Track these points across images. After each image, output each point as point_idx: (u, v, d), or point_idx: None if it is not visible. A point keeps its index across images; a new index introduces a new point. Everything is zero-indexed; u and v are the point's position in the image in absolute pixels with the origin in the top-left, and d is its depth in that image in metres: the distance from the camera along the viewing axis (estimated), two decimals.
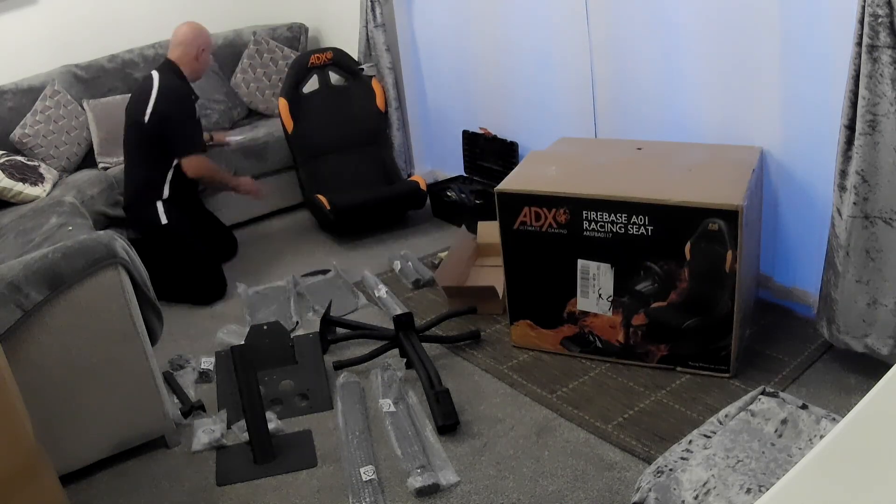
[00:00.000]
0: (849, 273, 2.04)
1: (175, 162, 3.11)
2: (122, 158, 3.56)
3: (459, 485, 1.95)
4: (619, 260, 2.25)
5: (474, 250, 3.13)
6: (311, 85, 3.80)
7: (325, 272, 3.24)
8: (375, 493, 1.92)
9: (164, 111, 3.04)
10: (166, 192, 3.13)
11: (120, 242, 2.00)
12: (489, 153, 3.62)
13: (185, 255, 3.10)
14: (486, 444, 2.10)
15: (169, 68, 3.14)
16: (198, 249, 3.14)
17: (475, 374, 2.43)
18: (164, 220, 3.10)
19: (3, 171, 3.23)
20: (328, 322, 2.65)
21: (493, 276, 2.89)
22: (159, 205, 3.11)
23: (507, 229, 2.36)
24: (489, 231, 3.03)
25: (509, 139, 3.49)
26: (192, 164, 3.10)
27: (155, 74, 3.11)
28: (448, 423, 2.14)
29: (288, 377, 2.46)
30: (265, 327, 2.65)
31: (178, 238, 3.12)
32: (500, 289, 2.66)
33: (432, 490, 1.93)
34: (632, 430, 2.08)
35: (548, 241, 2.31)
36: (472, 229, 3.47)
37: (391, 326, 2.56)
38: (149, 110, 3.03)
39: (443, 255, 3.23)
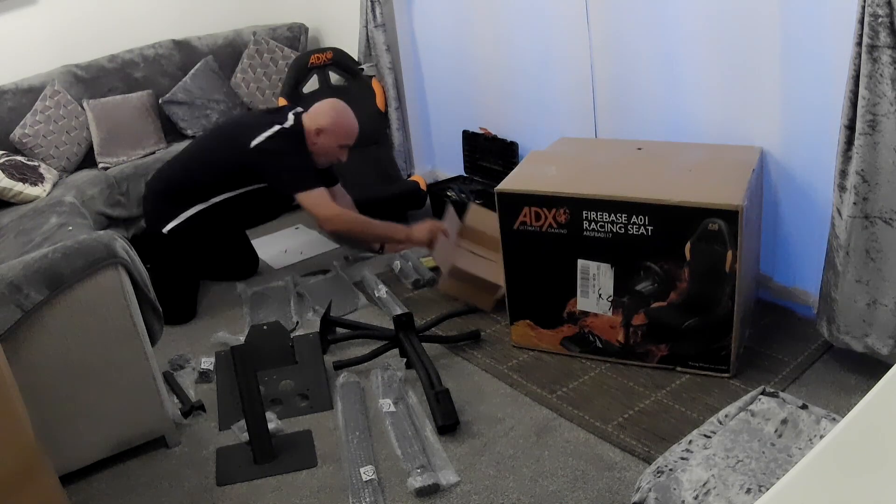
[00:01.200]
0: (849, 273, 2.04)
1: (226, 195, 2.93)
2: (122, 158, 3.57)
3: (459, 485, 1.95)
4: (619, 260, 2.25)
5: (459, 232, 3.02)
6: (311, 85, 3.80)
7: (325, 272, 3.24)
8: (375, 493, 1.92)
9: (276, 148, 2.84)
10: (194, 210, 2.96)
11: (120, 242, 2.00)
12: (489, 153, 3.62)
13: (164, 272, 2.96)
14: (486, 444, 2.10)
15: (299, 125, 2.91)
16: (185, 269, 3.02)
17: (475, 374, 2.43)
18: (165, 231, 2.97)
19: (3, 171, 3.23)
20: (328, 322, 2.65)
21: (482, 266, 2.84)
22: (178, 218, 2.96)
23: (507, 229, 2.36)
24: (480, 218, 2.94)
25: (509, 139, 3.49)
26: (312, 201, 2.79)
27: (291, 116, 2.92)
28: (448, 423, 2.14)
29: (288, 377, 2.46)
30: (265, 327, 2.65)
31: (171, 253, 3.00)
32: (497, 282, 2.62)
33: (432, 490, 1.93)
34: (632, 430, 2.08)
35: (548, 241, 2.31)
36: None
37: (391, 326, 2.56)
38: (261, 138, 2.84)
39: (427, 259, 3.22)
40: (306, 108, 3.02)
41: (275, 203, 3.12)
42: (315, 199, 2.81)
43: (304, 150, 2.91)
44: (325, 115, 2.92)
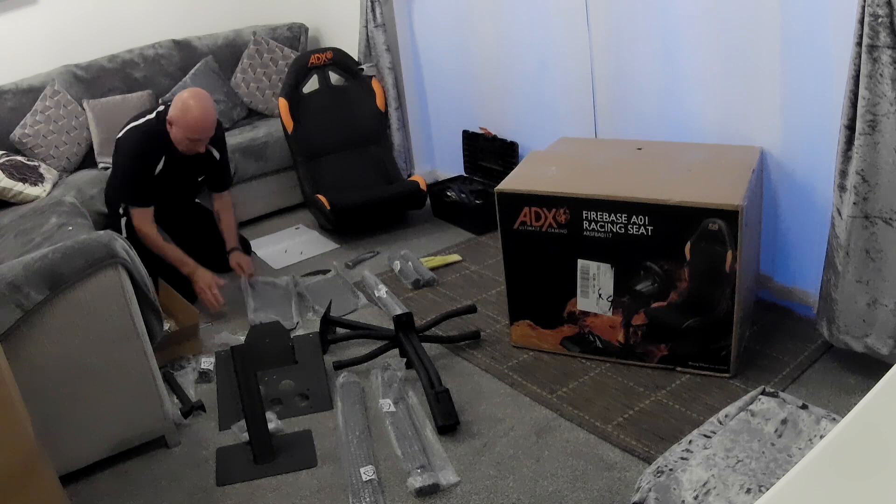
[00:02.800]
0: (849, 273, 2.04)
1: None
2: None
3: (459, 485, 1.95)
4: (619, 260, 2.25)
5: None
6: (311, 85, 3.80)
7: (325, 272, 3.24)
8: (375, 493, 1.92)
9: (118, 148, 2.96)
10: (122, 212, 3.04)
11: (120, 242, 2.00)
12: (489, 153, 3.62)
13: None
14: (486, 444, 2.10)
15: (163, 117, 2.92)
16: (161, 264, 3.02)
17: (475, 374, 2.43)
18: (124, 234, 2.99)
19: (3, 171, 3.23)
20: (328, 322, 2.66)
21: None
22: (122, 223, 3.04)
23: (507, 229, 2.35)
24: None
25: (509, 139, 3.49)
26: (136, 215, 2.94)
27: (161, 108, 2.96)
28: (448, 423, 2.14)
29: (288, 377, 2.46)
30: (265, 327, 2.65)
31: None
32: None
33: (432, 490, 1.93)
34: (632, 430, 2.08)
35: (548, 241, 2.31)
36: (473, 230, 3.48)
37: (391, 326, 2.56)
38: (122, 131, 2.95)
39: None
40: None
41: (178, 187, 3.11)
42: (136, 213, 2.96)
43: (151, 151, 2.90)
44: (175, 108, 2.85)
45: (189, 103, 2.81)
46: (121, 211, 3.05)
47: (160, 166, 2.93)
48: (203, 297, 2.93)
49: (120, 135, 2.96)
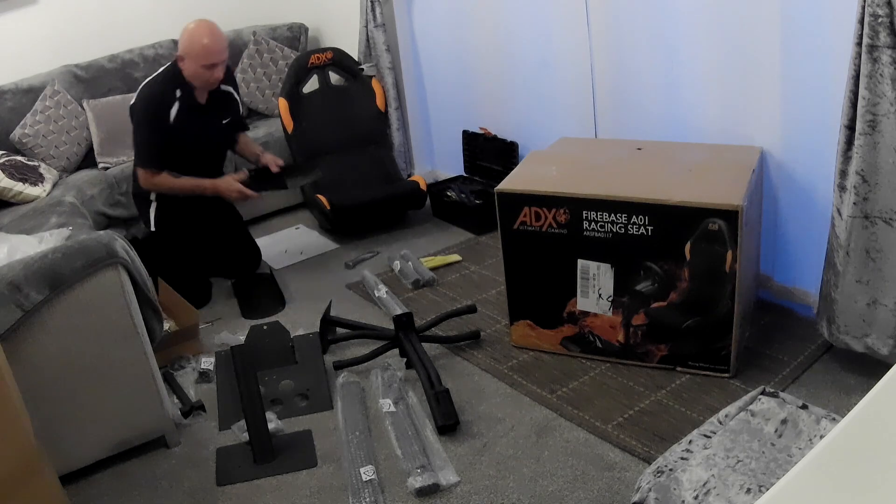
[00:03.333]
0: (849, 273, 2.04)
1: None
2: (122, 158, 3.57)
3: (459, 485, 1.95)
4: (619, 260, 2.25)
5: None
6: (311, 85, 3.80)
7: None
8: (375, 493, 1.92)
9: (131, 111, 2.92)
10: (153, 198, 3.02)
11: (120, 242, 2.00)
12: (489, 153, 3.62)
13: (170, 264, 3.01)
14: (486, 444, 2.10)
15: (172, 66, 2.90)
16: (183, 261, 3.04)
17: (475, 374, 2.43)
18: (153, 227, 3.03)
19: (3, 171, 3.23)
20: (328, 322, 2.66)
21: None
22: (151, 210, 3.03)
23: (507, 229, 2.35)
24: None
25: (509, 139, 3.49)
26: (140, 178, 2.93)
27: (168, 65, 2.93)
28: (448, 423, 2.14)
29: (288, 377, 2.46)
30: (265, 327, 2.65)
31: (166, 247, 3.03)
32: None
33: (432, 490, 1.93)
34: (632, 430, 2.08)
35: (548, 241, 2.31)
36: (473, 230, 3.48)
37: (391, 326, 2.56)
38: (135, 95, 2.91)
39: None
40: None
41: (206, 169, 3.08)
42: (142, 175, 2.91)
43: (161, 98, 2.84)
44: (181, 42, 2.83)
45: (195, 29, 2.80)
46: (151, 197, 3.01)
47: (174, 110, 2.85)
48: (239, 199, 3.01)
49: (132, 101, 2.93)
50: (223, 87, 3.00)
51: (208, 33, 2.80)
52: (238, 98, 3.16)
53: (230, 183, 2.99)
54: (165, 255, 3.02)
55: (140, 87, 2.92)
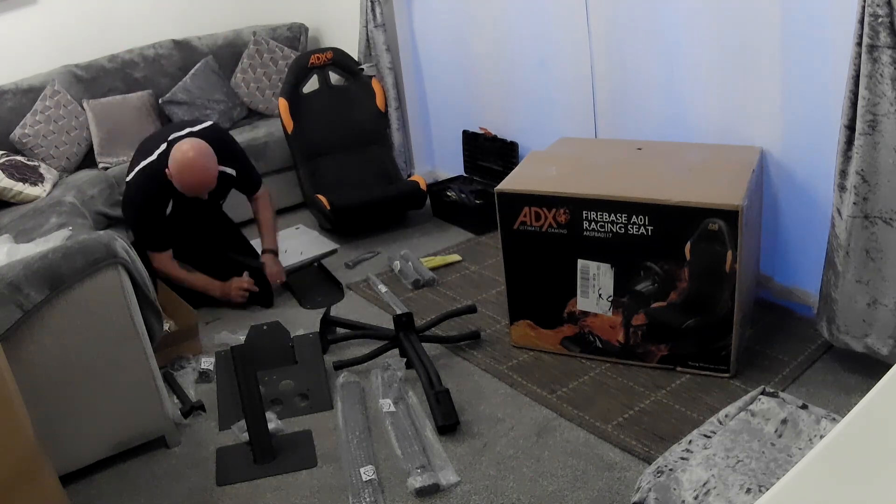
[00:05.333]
0: (849, 273, 2.04)
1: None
2: (122, 158, 3.57)
3: (459, 485, 1.95)
4: (619, 260, 2.25)
5: None
6: (311, 85, 3.80)
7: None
8: (375, 493, 1.92)
9: (124, 206, 2.96)
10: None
11: (120, 242, 2.00)
12: (489, 153, 3.62)
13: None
14: (486, 444, 2.10)
15: (165, 159, 2.79)
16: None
17: (475, 374, 2.43)
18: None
19: (3, 171, 3.23)
20: (328, 322, 2.66)
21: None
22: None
23: (507, 229, 2.35)
24: None
25: (509, 139, 3.49)
26: (154, 259, 2.90)
27: (163, 147, 2.81)
28: (448, 423, 2.14)
29: (288, 377, 2.46)
30: (265, 327, 2.65)
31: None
32: None
33: (432, 490, 1.93)
34: (632, 430, 2.08)
35: (548, 241, 2.31)
36: (473, 230, 3.48)
37: (391, 326, 2.56)
38: (132, 173, 2.87)
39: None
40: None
41: (202, 216, 3.06)
42: (154, 258, 2.92)
43: (157, 196, 2.81)
44: (173, 162, 2.71)
45: (185, 164, 2.69)
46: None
47: (169, 208, 2.86)
48: (240, 298, 2.98)
49: (129, 177, 2.89)
50: (220, 169, 2.90)
51: (198, 171, 2.72)
52: (240, 173, 3.06)
53: (235, 289, 2.98)
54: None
55: (135, 171, 2.85)
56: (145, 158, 2.85)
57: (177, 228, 2.95)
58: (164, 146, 2.82)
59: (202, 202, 2.92)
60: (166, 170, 2.74)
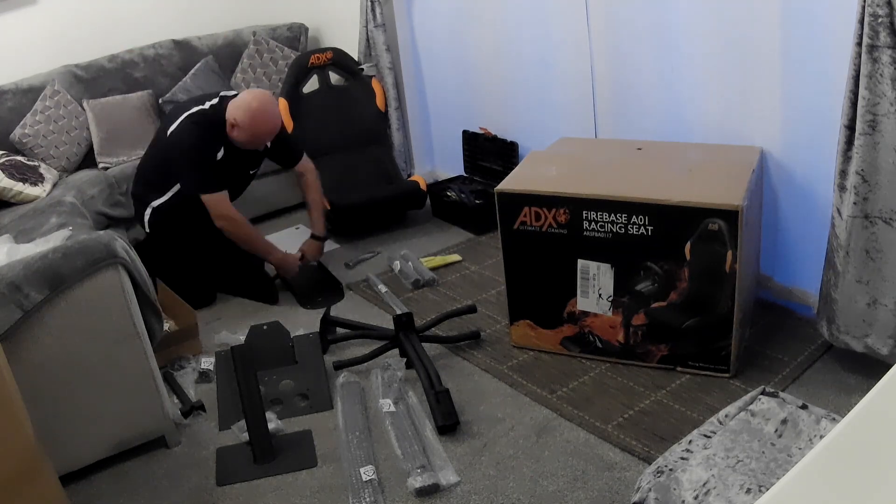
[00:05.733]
0: (849, 273, 2.04)
1: (176, 189, 2.94)
2: (122, 158, 3.57)
3: (459, 485, 1.95)
4: (619, 260, 2.25)
5: None
6: (311, 85, 3.80)
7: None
8: (375, 493, 1.92)
9: (177, 146, 2.88)
10: (160, 201, 2.99)
11: (120, 242, 2.00)
12: (489, 153, 3.62)
13: (169, 266, 3.01)
14: (486, 444, 2.10)
15: (221, 109, 2.86)
16: (181, 265, 3.02)
17: (475, 374, 2.43)
18: (147, 229, 3.02)
19: (3, 171, 3.23)
20: (328, 322, 2.66)
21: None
22: (147, 212, 3.00)
23: (507, 229, 2.35)
24: None
25: (509, 139, 3.49)
26: (212, 203, 2.87)
27: (216, 100, 2.90)
28: (448, 423, 2.14)
29: (288, 377, 2.46)
30: (265, 327, 2.65)
31: (162, 250, 3.02)
32: None
33: (432, 490, 1.93)
34: (632, 430, 2.08)
35: (548, 241, 2.31)
36: (473, 230, 3.48)
37: (391, 326, 2.56)
38: (174, 125, 2.87)
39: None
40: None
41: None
42: (212, 200, 2.90)
43: (210, 140, 2.85)
44: (242, 111, 2.80)
45: (259, 112, 2.79)
46: (148, 214, 3.00)
47: (220, 154, 2.89)
48: (289, 269, 3.06)
49: (173, 127, 2.88)
50: None
51: (272, 118, 2.84)
52: (279, 143, 3.09)
53: (293, 263, 3.07)
54: (164, 258, 3.00)
55: (182, 118, 2.87)
56: (189, 109, 2.89)
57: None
58: (215, 100, 2.90)
59: (243, 165, 2.98)
60: (230, 119, 2.81)
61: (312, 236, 3.22)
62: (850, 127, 1.92)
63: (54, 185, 3.39)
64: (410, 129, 4.02)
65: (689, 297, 2.19)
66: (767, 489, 0.96)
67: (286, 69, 3.86)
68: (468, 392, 2.34)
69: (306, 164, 3.23)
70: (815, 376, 2.21)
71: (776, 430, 1.44)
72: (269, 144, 3.06)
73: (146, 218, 3.02)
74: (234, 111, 2.81)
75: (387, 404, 2.26)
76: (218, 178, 2.91)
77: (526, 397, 2.28)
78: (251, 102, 2.80)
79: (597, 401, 2.22)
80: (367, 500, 1.90)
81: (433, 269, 3.14)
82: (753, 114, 2.43)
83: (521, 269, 2.41)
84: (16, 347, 1.83)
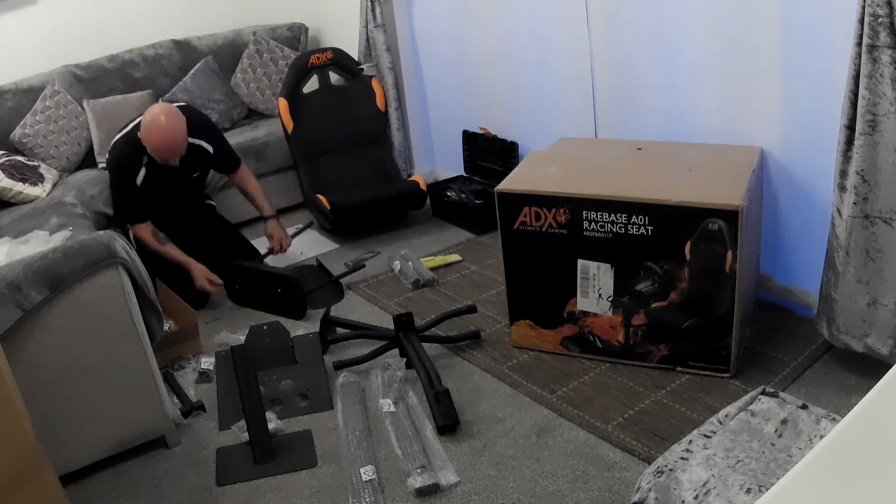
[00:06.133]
0: (849, 273, 2.04)
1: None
2: None
3: (459, 485, 1.95)
4: (619, 260, 2.25)
5: None
6: (311, 85, 3.80)
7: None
8: (375, 493, 1.92)
9: (111, 162, 3.00)
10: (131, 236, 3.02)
11: (120, 242, 2.00)
12: (489, 153, 3.62)
13: (165, 267, 3.01)
14: (486, 444, 2.10)
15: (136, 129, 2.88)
16: (171, 267, 3.02)
17: (475, 374, 2.43)
18: (132, 242, 3.01)
19: (3, 171, 3.23)
20: (328, 322, 2.66)
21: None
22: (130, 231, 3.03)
23: (507, 229, 2.35)
24: None
25: (509, 139, 3.49)
26: (134, 231, 2.98)
27: (132, 124, 2.90)
28: (448, 423, 2.14)
29: (288, 377, 2.46)
30: (265, 327, 2.65)
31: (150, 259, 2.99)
32: None
33: (432, 490, 1.93)
34: (632, 430, 2.08)
35: (548, 241, 2.31)
36: (473, 230, 3.48)
37: (391, 326, 2.56)
38: (112, 144, 2.97)
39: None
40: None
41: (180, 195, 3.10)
42: (135, 229, 2.99)
43: (127, 166, 2.89)
44: (143, 124, 2.80)
45: (153, 125, 2.76)
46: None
47: (141, 177, 2.91)
48: (203, 288, 2.97)
49: (109, 149, 3.00)
50: (193, 141, 2.95)
51: (165, 132, 2.77)
52: (217, 149, 3.11)
53: (202, 274, 2.98)
54: (158, 260, 3.00)
55: (112, 142, 2.98)
56: (121, 132, 2.97)
57: (160, 209, 3.00)
58: (138, 118, 2.92)
59: (177, 177, 2.97)
60: (137, 132, 2.82)
61: (266, 218, 3.25)
62: (850, 127, 1.92)
63: (54, 185, 3.39)
64: (410, 129, 4.02)
65: (689, 297, 2.19)
66: (767, 489, 0.96)
67: (286, 69, 3.86)
68: (468, 392, 2.34)
69: (244, 171, 3.28)
70: (815, 376, 2.21)
71: (776, 430, 1.44)
72: (211, 150, 3.08)
73: (131, 235, 3.04)
74: (141, 125, 2.82)
75: (387, 404, 2.26)
76: (142, 206, 2.96)
77: (526, 397, 2.28)
78: (151, 120, 2.78)
79: (597, 401, 2.22)
80: (367, 500, 1.90)
81: (433, 269, 3.14)
82: (753, 114, 2.43)
83: (521, 269, 2.41)
84: (16, 347, 1.83)
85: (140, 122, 2.86)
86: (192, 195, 3.22)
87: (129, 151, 2.89)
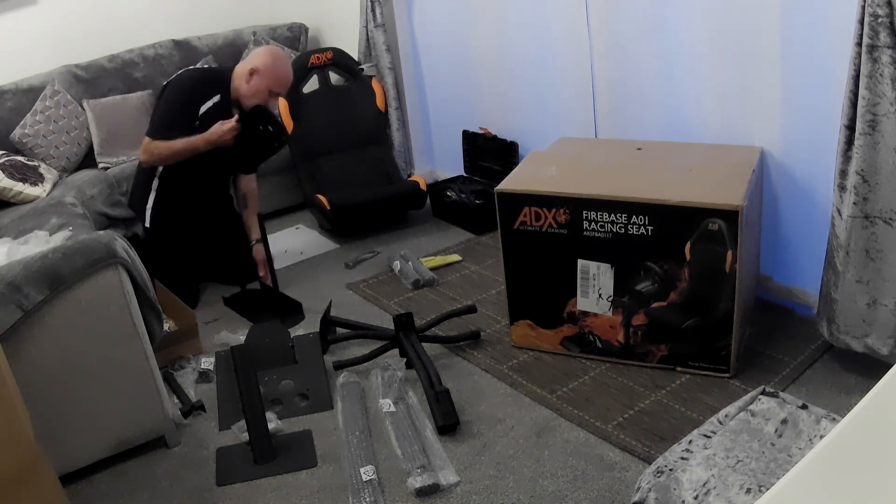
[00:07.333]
0: (849, 273, 2.04)
1: (157, 185, 2.95)
2: (121, 158, 3.57)
3: (459, 485, 1.95)
4: (619, 260, 2.25)
5: None
6: (311, 85, 3.80)
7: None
8: (375, 493, 1.92)
9: (167, 85, 2.96)
10: (154, 191, 2.96)
11: (120, 242, 2.00)
12: (489, 153, 3.62)
13: (163, 264, 2.97)
14: (486, 444, 2.10)
15: (224, 69, 3.00)
16: (175, 263, 3.01)
17: (475, 374, 2.43)
18: (147, 223, 2.99)
19: (3, 171, 3.23)
20: (328, 322, 2.66)
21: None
22: (148, 207, 2.98)
23: (507, 229, 2.36)
24: None
25: (509, 139, 3.49)
26: (141, 149, 2.87)
27: (216, 67, 2.97)
28: (448, 423, 2.14)
29: (288, 377, 2.46)
30: (265, 327, 2.65)
31: (160, 246, 3.00)
32: None
33: (432, 490, 1.93)
34: (632, 430, 2.08)
35: (548, 241, 2.31)
36: (473, 230, 3.48)
37: (391, 326, 2.56)
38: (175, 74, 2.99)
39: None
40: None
41: (215, 168, 3.03)
42: (144, 143, 2.88)
43: (201, 88, 2.90)
44: (261, 57, 2.92)
45: (279, 58, 2.91)
46: (152, 186, 2.97)
47: (209, 105, 2.88)
48: (224, 135, 2.80)
49: (173, 77, 3.00)
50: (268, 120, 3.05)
51: (290, 67, 2.98)
52: (271, 130, 3.09)
53: (216, 130, 2.80)
54: (159, 255, 2.98)
55: (185, 68, 3.05)
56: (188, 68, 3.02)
57: (195, 169, 2.90)
58: (219, 67, 3.00)
59: (227, 154, 2.89)
60: (247, 69, 2.91)
61: (257, 241, 3.13)
62: (850, 127, 1.92)
63: (54, 185, 3.39)
64: (410, 129, 4.02)
65: (689, 297, 2.19)
66: (767, 489, 0.97)
67: None
68: (468, 392, 2.34)
69: (252, 183, 3.26)
70: (815, 376, 2.21)
71: (776, 430, 1.44)
72: (269, 128, 3.05)
73: (148, 211, 2.99)
74: (251, 60, 2.92)
75: (387, 404, 2.26)
76: (184, 127, 2.81)
77: (526, 397, 2.28)
78: (272, 51, 2.95)
79: (597, 401, 2.22)
80: (367, 500, 1.90)
81: (433, 269, 3.14)
82: (753, 114, 2.43)
83: (521, 269, 2.41)
84: (16, 347, 1.83)
85: (221, 69, 2.96)
86: (226, 168, 3.12)
87: (210, 79, 2.96)
